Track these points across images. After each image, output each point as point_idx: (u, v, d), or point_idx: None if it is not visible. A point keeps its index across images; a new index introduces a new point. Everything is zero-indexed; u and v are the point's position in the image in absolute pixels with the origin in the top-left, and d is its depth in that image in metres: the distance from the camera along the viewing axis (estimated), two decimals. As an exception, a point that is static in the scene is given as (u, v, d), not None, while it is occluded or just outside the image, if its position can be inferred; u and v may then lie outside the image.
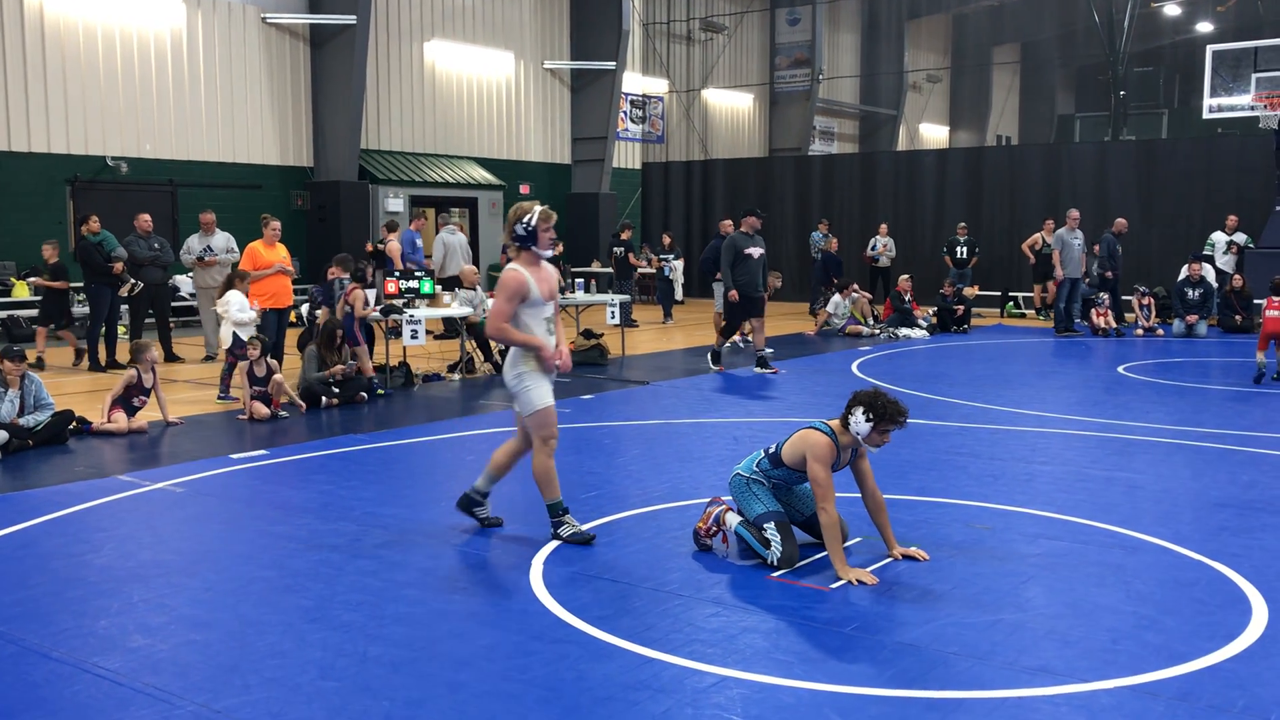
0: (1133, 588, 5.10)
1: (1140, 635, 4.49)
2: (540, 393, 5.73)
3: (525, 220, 5.75)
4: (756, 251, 12.32)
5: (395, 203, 21.22)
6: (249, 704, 3.84)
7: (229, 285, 10.63)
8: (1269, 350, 11.78)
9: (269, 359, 9.76)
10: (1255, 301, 15.96)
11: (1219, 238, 18.08)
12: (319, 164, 20.64)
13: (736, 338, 15.05)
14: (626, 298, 15.53)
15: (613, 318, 14.08)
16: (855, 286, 17.67)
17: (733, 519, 5.60)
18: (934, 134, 42.51)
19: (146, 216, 13.59)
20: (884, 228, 20.52)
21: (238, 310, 10.35)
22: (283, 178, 20.31)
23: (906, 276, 17.56)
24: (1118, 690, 3.95)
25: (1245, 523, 6.21)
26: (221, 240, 13.55)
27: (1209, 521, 6.27)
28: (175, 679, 4.04)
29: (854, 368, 13.02)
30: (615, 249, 20.69)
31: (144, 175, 18.23)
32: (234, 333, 10.32)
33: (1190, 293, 16.42)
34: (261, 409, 9.51)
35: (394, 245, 16.28)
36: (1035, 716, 3.75)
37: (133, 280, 13.01)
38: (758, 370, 12.58)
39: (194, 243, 13.73)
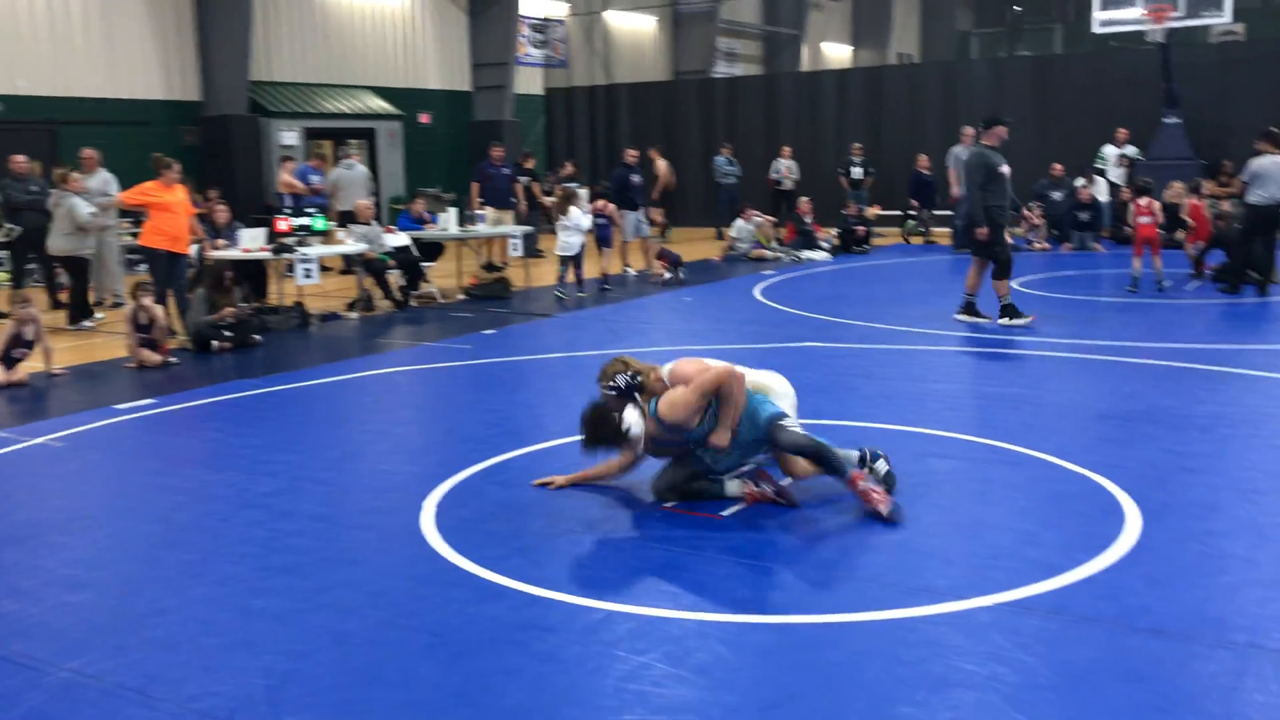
0: (1015, 503, 5.23)
1: (1020, 551, 4.61)
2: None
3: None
4: (1008, 169, 10.27)
5: (289, 136, 20.57)
6: (124, 666, 3.74)
7: (569, 201, 12.99)
8: (1145, 258, 12.10)
9: (153, 305, 9.44)
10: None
11: (1110, 151, 18.41)
12: (208, 98, 19.86)
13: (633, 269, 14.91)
14: (530, 229, 15.33)
15: (515, 249, 13.90)
16: (753, 210, 17.64)
17: None
18: (837, 53, 42.44)
19: (21, 157, 12.97)
20: (787, 150, 20.50)
21: (579, 219, 12.81)
22: (170, 113, 19.52)
23: (807, 199, 17.61)
24: (995, 606, 4.05)
25: (1125, 433, 6.39)
26: (97, 182, 12.97)
27: (1091, 433, 6.44)
28: (45, 644, 3.93)
29: (757, 292, 13.07)
30: (519, 179, 20.37)
31: (20, 113, 17.35)
32: (580, 243, 12.82)
33: (1081, 214, 16.73)
34: (150, 356, 9.23)
35: (286, 178, 15.80)
36: (914, 637, 3.83)
37: (9, 225, 12.46)
38: (1007, 321, 10.23)
39: (93, 184, 13.13)
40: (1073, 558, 4.49)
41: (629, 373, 5.38)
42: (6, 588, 4.47)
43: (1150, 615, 3.93)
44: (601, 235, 14.16)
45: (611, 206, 14.31)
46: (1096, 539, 4.69)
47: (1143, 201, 12.11)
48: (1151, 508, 5.05)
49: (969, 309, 10.46)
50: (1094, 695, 3.39)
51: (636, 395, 5.33)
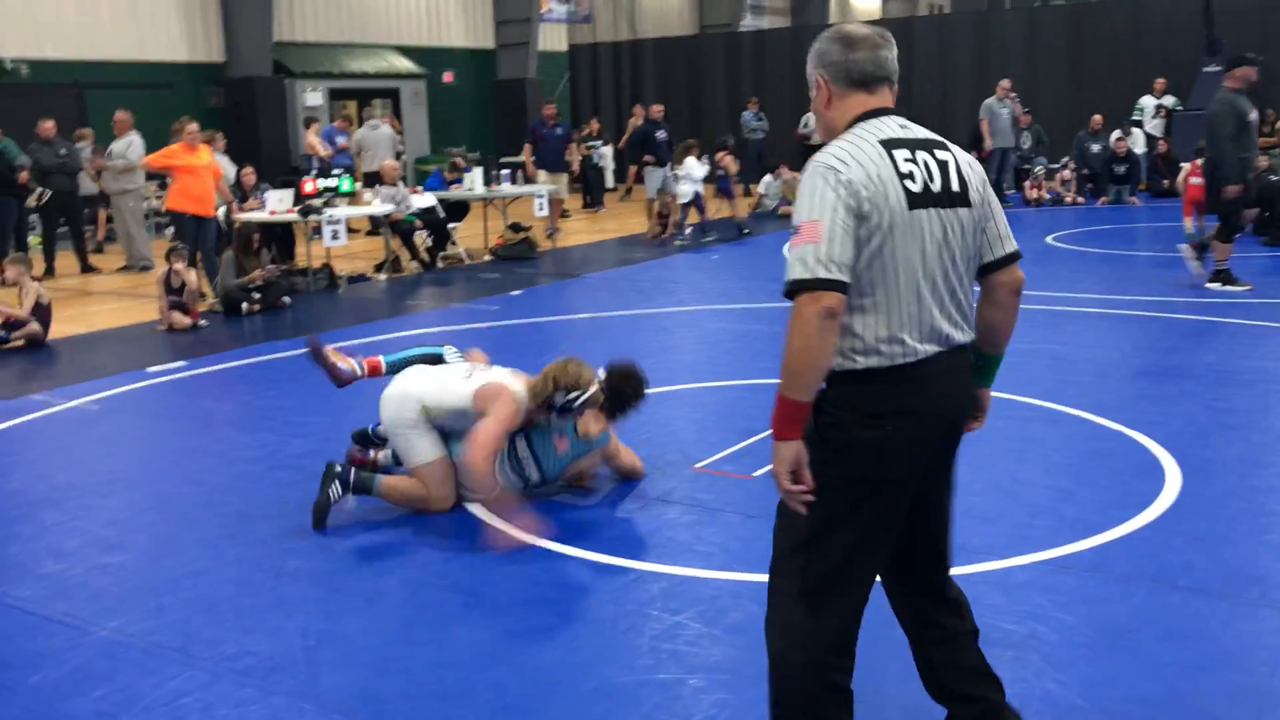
0: (1052, 461, 5.16)
1: (1057, 509, 4.55)
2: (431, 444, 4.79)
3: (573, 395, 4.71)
4: (1256, 115, 9.09)
5: (314, 97, 20.50)
6: (163, 626, 3.77)
7: (686, 153, 13.82)
8: (1195, 217, 11.88)
9: (186, 269, 9.45)
10: (1182, 164, 16.04)
11: (1147, 102, 18.06)
12: (231, 59, 19.79)
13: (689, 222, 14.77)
14: (554, 187, 15.23)
15: (540, 209, 13.83)
16: (785, 166, 17.49)
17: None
18: (866, 4, 41.83)
19: (50, 123, 12.99)
20: (816, 104, 20.24)
21: (693, 168, 13.65)
22: (194, 75, 19.49)
23: (838, 154, 17.38)
24: (1033, 565, 4.01)
25: (1164, 390, 6.30)
26: (121, 144, 12.97)
27: (1129, 390, 6.35)
28: (87, 605, 3.96)
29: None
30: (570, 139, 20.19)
31: (47, 77, 17.38)
32: (694, 191, 13.80)
33: (1117, 167, 16.45)
34: (180, 319, 9.26)
35: (311, 139, 15.75)
36: (951, 595, 3.79)
37: (40, 189, 12.51)
38: (1220, 287, 9.28)
39: (116, 147, 13.20)
40: (1111, 516, 4.43)
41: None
42: (48, 549, 4.51)
43: (1192, 573, 3.88)
44: (721, 186, 15.07)
45: (729, 158, 14.96)
46: (1135, 496, 4.63)
47: (1200, 162, 11.79)
48: (1192, 465, 4.97)
49: (1221, 277, 9.37)
50: (1134, 653, 3.35)
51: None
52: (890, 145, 2.46)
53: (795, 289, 2.34)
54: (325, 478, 4.67)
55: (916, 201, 2.42)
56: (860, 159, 2.42)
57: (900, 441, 2.47)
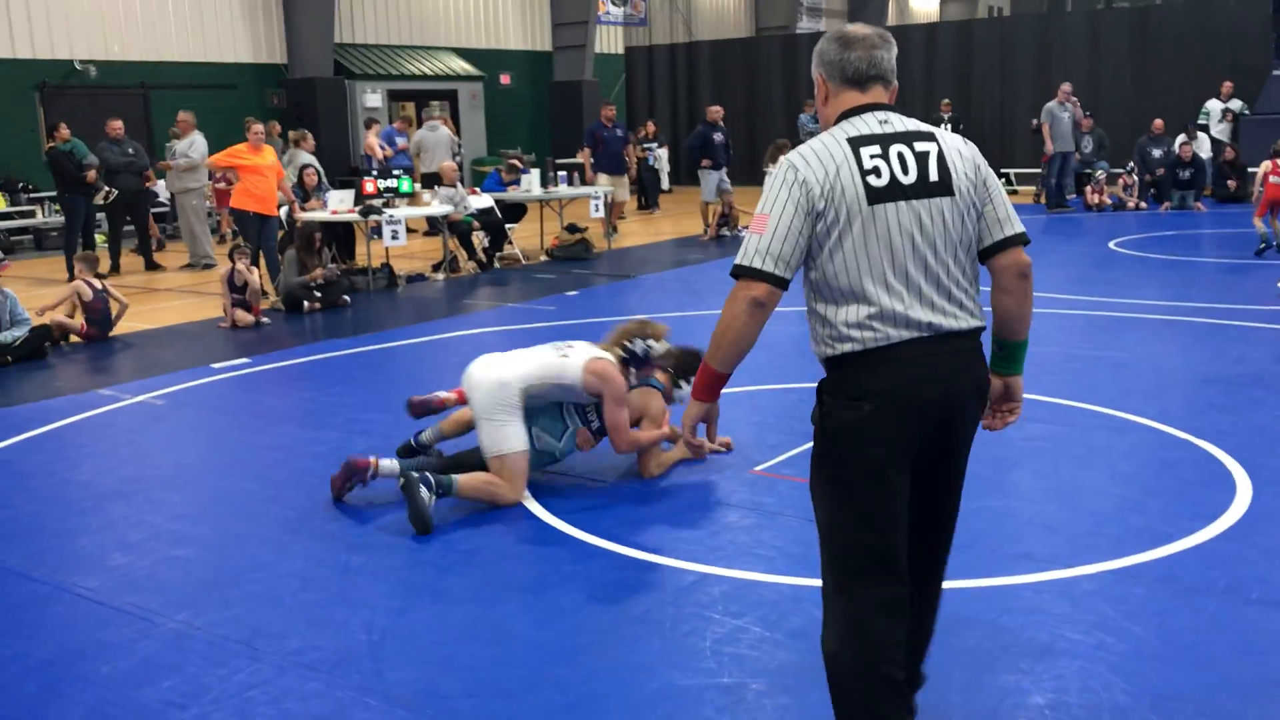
0: (1117, 469, 5.08)
1: (1123, 518, 4.48)
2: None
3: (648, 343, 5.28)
4: None
5: (373, 98, 20.74)
6: (229, 619, 3.83)
7: (779, 152, 13.09)
8: (1267, 219, 11.62)
9: (248, 267, 9.60)
10: (1250, 170, 15.72)
11: (1214, 105, 17.73)
12: (293, 60, 20.09)
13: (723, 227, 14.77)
14: (610, 189, 15.24)
15: (596, 210, 13.86)
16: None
17: None
18: (924, 7, 41.47)
19: (118, 123, 13.26)
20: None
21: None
22: (257, 76, 19.80)
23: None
24: (1099, 575, 3.95)
25: (1232, 399, 6.17)
26: (184, 144, 13.22)
27: (1196, 399, 6.23)
28: (155, 596, 4.03)
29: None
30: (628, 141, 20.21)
31: (114, 79, 17.75)
32: None
33: (1181, 172, 16.15)
34: (243, 316, 9.40)
35: (371, 140, 15.93)
36: (1017, 604, 3.75)
37: (107, 188, 12.77)
38: None
39: (179, 146, 13.47)
40: (1180, 526, 4.35)
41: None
42: (116, 541, 4.60)
43: (1265, 586, 3.80)
44: None
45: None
46: (1205, 507, 4.54)
47: None
48: (1263, 475, 4.87)
49: None
50: (1207, 666, 3.29)
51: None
52: (858, 142, 2.53)
53: (734, 273, 2.53)
54: (408, 487, 4.59)
55: (879, 196, 2.50)
56: (822, 157, 2.51)
57: (879, 422, 2.52)
